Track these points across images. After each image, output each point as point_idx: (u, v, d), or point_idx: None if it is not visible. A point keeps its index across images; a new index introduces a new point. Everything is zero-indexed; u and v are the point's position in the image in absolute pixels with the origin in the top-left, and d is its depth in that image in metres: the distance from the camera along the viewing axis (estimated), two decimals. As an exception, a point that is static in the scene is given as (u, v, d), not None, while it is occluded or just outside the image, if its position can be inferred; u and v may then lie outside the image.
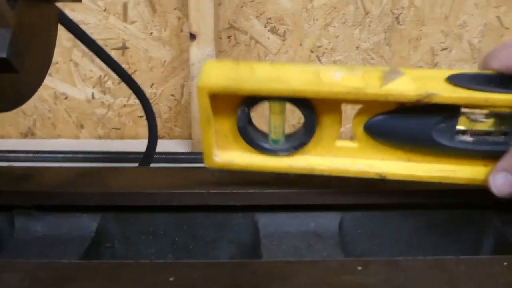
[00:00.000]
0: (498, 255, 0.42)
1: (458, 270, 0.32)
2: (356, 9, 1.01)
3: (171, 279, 0.31)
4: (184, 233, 0.46)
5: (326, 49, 1.04)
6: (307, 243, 0.42)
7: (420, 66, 1.06)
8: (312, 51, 1.04)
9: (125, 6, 1.00)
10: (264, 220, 0.44)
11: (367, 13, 1.01)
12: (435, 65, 1.06)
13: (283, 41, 1.02)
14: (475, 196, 0.45)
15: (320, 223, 0.44)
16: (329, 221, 0.44)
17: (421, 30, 1.03)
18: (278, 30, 1.02)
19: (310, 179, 0.45)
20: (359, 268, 0.32)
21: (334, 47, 1.04)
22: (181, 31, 1.01)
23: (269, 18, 1.00)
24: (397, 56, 1.05)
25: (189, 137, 1.08)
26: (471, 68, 1.03)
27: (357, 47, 1.04)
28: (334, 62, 1.05)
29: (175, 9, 1.00)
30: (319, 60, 1.04)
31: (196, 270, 0.32)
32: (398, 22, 1.02)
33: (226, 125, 0.45)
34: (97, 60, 1.03)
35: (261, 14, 1.00)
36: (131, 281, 0.31)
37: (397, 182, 0.44)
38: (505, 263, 0.33)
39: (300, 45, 1.03)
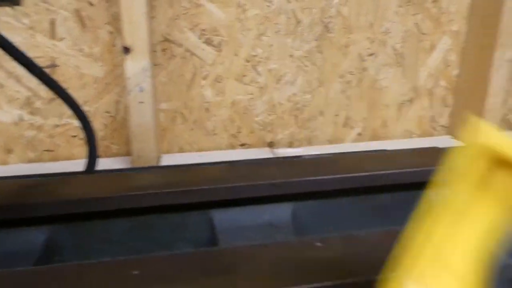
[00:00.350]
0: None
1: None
2: (288, 19, 1.04)
3: (135, 272, 0.30)
4: (140, 237, 0.44)
5: (261, 58, 1.06)
6: (263, 234, 0.42)
7: (351, 72, 1.11)
8: (247, 61, 1.05)
9: (52, 23, 0.96)
10: (220, 216, 0.44)
11: (298, 22, 1.05)
12: (363, 70, 1.12)
13: (219, 52, 1.03)
14: (422, 177, 0.47)
15: (274, 214, 0.44)
16: (282, 211, 0.45)
17: (349, 38, 1.09)
18: (213, 41, 1.02)
19: (260, 171, 0.45)
20: (318, 244, 0.33)
21: (268, 56, 1.06)
22: (113, 45, 0.99)
23: (203, 30, 1.01)
24: (329, 63, 1.10)
25: (128, 153, 1.04)
26: (395, 72, 1.10)
27: (290, 55, 1.07)
28: (269, 70, 1.07)
29: (106, 23, 0.97)
30: (255, 70, 1.06)
31: (161, 262, 0.31)
32: (328, 30, 1.07)
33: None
34: (24, 80, 0.98)
35: (195, 26, 1.01)
36: (95, 280, 0.29)
37: (346, 166, 0.45)
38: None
39: (236, 55, 1.04)
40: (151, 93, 0.95)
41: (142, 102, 0.94)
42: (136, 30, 0.90)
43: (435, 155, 0.63)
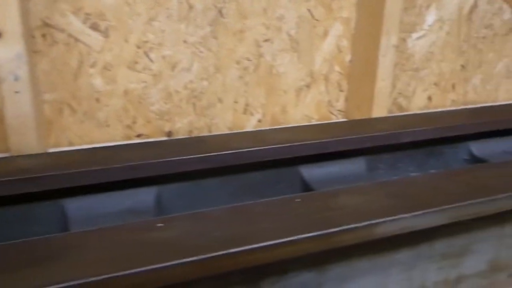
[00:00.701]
0: (290, 195, 0.47)
1: (255, 211, 0.33)
2: (180, 4, 1.01)
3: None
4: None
5: (153, 44, 1.02)
6: (122, 221, 0.39)
7: (247, 58, 1.11)
8: (139, 47, 1.01)
9: None
10: (74, 205, 0.40)
11: (191, 7, 1.02)
12: (260, 56, 1.12)
13: (106, 38, 0.98)
14: (282, 155, 0.48)
15: (135, 200, 0.42)
16: (145, 196, 0.42)
17: (244, 23, 1.08)
18: (100, 26, 0.96)
19: (118, 155, 0.42)
20: (160, 225, 0.31)
21: (161, 42, 1.02)
22: (-15, 30, 0.89)
23: (88, 14, 0.95)
24: (224, 49, 1.08)
25: (6, 150, 0.95)
26: (291, 58, 1.12)
27: (184, 41, 1.04)
28: (163, 57, 1.03)
29: (-27, 5, 0.87)
30: (147, 56, 1.02)
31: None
32: (222, 16, 1.05)
33: None
34: None
35: (78, 10, 0.94)
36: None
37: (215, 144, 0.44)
38: (297, 200, 0.36)
39: (126, 41, 0.99)
40: (29, 82, 0.87)
41: (18, 92, 0.86)
42: (6, 12, 0.82)
43: (306, 131, 0.66)
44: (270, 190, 0.51)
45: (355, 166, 0.60)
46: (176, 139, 0.66)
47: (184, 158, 0.42)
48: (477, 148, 0.70)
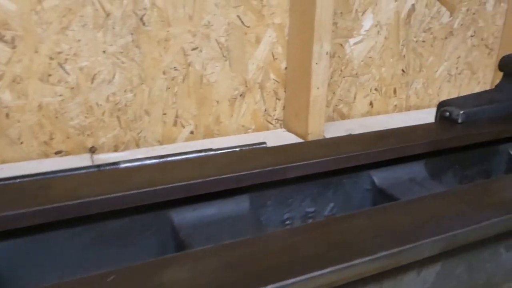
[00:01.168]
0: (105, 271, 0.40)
1: None
2: (95, 11, 0.94)
3: None
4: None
5: (68, 55, 0.95)
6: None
7: (174, 67, 1.05)
8: (51, 58, 0.94)
9: None
10: None
11: (108, 15, 0.95)
12: (188, 65, 1.06)
13: (13, 48, 0.90)
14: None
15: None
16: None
17: (168, 31, 1.02)
18: (5, 36, 0.89)
19: None
20: None
21: (77, 53, 0.95)
22: None
23: (-10, 23, 0.87)
24: (149, 58, 1.02)
25: None
26: (222, 66, 1.07)
27: (103, 51, 0.97)
28: (80, 68, 0.96)
29: None
30: (62, 68, 0.95)
31: None
32: (144, 24, 0.99)
33: None
34: None
35: (-22, 19, 0.86)
36: None
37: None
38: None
39: (36, 52, 0.92)
40: None
41: None
42: None
43: (182, 167, 0.60)
44: (134, 239, 0.46)
45: (237, 205, 0.54)
46: (9, 185, 0.58)
47: (16, 213, 0.37)
48: (380, 177, 0.66)
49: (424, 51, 1.41)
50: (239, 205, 0.54)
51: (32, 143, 0.97)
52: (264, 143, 1.03)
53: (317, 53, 1.07)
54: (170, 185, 0.50)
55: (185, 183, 0.51)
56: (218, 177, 0.52)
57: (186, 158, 0.94)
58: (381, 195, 0.65)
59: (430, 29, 1.40)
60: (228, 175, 0.53)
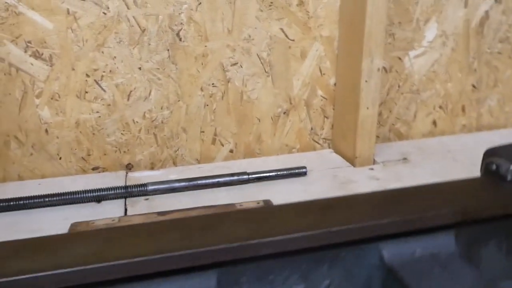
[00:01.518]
0: None
1: None
2: (131, 27, 0.92)
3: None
4: None
5: (104, 72, 0.94)
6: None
7: (212, 84, 1.01)
8: (88, 75, 0.93)
9: None
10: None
11: (143, 31, 0.93)
12: (227, 81, 1.01)
13: (51, 66, 0.91)
14: None
15: None
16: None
17: (206, 46, 0.98)
18: (42, 54, 0.90)
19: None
20: None
21: (113, 70, 0.94)
22: None
23: (29, 42, 0.88)
24: (186, 75, 0.99)
25: None
26: (264, 82, 0.99)
27: (139, 68, 0.95)
28: (116, 85, 0.95)
29: None
30: (99, 85, 0.94)
31: None
32: (180, 39, 0.96)
33: None
34: None
35: (17, 38, 0.87)
36: None
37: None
38: None
39: (73, 69, 0.92)
40: (-42, 117, 0.81)
41: None
42: None
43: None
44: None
45: (201, 284, 0.45)
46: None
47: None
48: (391, 252, 0.51)
49: (501, 64, 1.24)
50: (205, 283, 0.46)
51: (71, 159, 0.98)
52: (304, 168, 0.96)
53: (367, 69, 0.97)
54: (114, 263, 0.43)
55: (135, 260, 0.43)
56: (170, 254, 0.43)
57: (218, 181, 0.89)
58: (389, 277, 0.51)
59: (508, 39, 1.22)
60: (185, 252, 0.44)
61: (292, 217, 0.52)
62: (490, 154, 0.61)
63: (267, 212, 0.56)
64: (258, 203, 0.79)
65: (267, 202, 0.80)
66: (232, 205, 0.78)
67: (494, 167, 0.60)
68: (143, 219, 0.73)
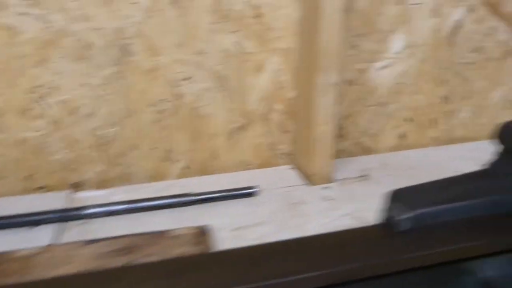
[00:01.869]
0: None
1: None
2: (76, 41, 0.88)
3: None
4: None
5: (49, 88, 0.90)
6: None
7: (164, 99, 0.97)
8: (32, 93, 0.90)
9: None
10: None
11: (89, 46, 0.89)
12: (179, 97, 0.97)
13: (-10, 83, 0.87)
14: None
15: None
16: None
17: (156, 60, 0.94)
18: (-20, 70, 0.86)
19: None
20: None
21: (58, 86, 0.90)
22: None
23: (-35, 58, 0.85)
24: (135, 90, 0.95)
25: None
26: (219, 97, 0.94)
27: (86, 84, 0.92)
28: (63, 102, 0.91)
29: None
30: (43, 101, 0.90)
31: None
32: (129, 53, 0.92)
33: None
34: None
35: (-48, 54, 0.84)
36: None
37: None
38: None
39: (14, 86, 0.88)
40: None
41: None
42: None
43: None
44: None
45: None
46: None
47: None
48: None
49: (474, 74, 1.20)
50: None
51: (13, 178, 0.94)
52: (254, 187, 0.92)
53: (323, 84, 0.92)
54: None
55: None
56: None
57: (158, 204, 0.85)
58: None
59: (481, 49, 1.18)
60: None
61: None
62: (393, 197, 0.55)
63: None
64: (194, 229, 0.75)
65: (202, 228, 0.76)
66: (162, 232, 0.74)
67: (387, 214, 0.53)
68: (64, 250, 0.69)
